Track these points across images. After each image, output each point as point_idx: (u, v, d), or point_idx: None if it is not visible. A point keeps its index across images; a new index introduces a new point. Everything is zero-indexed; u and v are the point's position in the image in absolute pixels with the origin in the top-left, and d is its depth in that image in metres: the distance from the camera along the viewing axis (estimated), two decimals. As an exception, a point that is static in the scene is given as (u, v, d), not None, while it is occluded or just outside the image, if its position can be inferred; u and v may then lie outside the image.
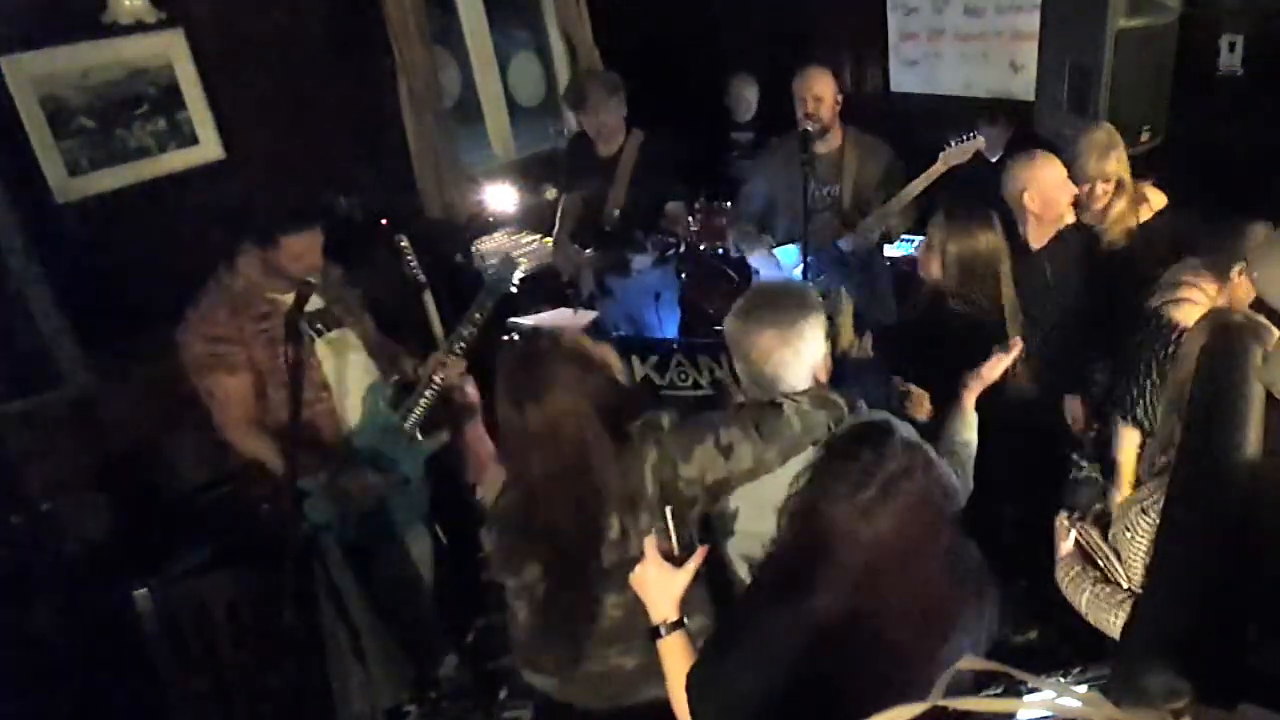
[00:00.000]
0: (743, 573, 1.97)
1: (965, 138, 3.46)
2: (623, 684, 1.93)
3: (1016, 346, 2.39)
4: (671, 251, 3.90)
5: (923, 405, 2.46)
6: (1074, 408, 2.98)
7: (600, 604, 1.85)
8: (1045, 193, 2.83)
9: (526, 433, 1.75)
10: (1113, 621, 1.84)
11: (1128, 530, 1.88)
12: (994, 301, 2.70)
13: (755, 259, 3.73)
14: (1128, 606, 1.80)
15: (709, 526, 1.96)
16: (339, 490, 2.59)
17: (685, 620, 1.63)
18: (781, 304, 1.96)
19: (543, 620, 1.89)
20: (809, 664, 1.41)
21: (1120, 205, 3.00)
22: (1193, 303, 2.45)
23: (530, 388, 1.73)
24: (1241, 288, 2.38)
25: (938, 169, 3.46)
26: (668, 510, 1.61)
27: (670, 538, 1.60)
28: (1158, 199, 3.07)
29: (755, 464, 1.81)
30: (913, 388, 2.48)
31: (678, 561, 1.61)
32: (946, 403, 2.29)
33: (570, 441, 1.75)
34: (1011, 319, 2.70)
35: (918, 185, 3.47)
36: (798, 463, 1.83)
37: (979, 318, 2.68)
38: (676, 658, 1.61)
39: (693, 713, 1.53)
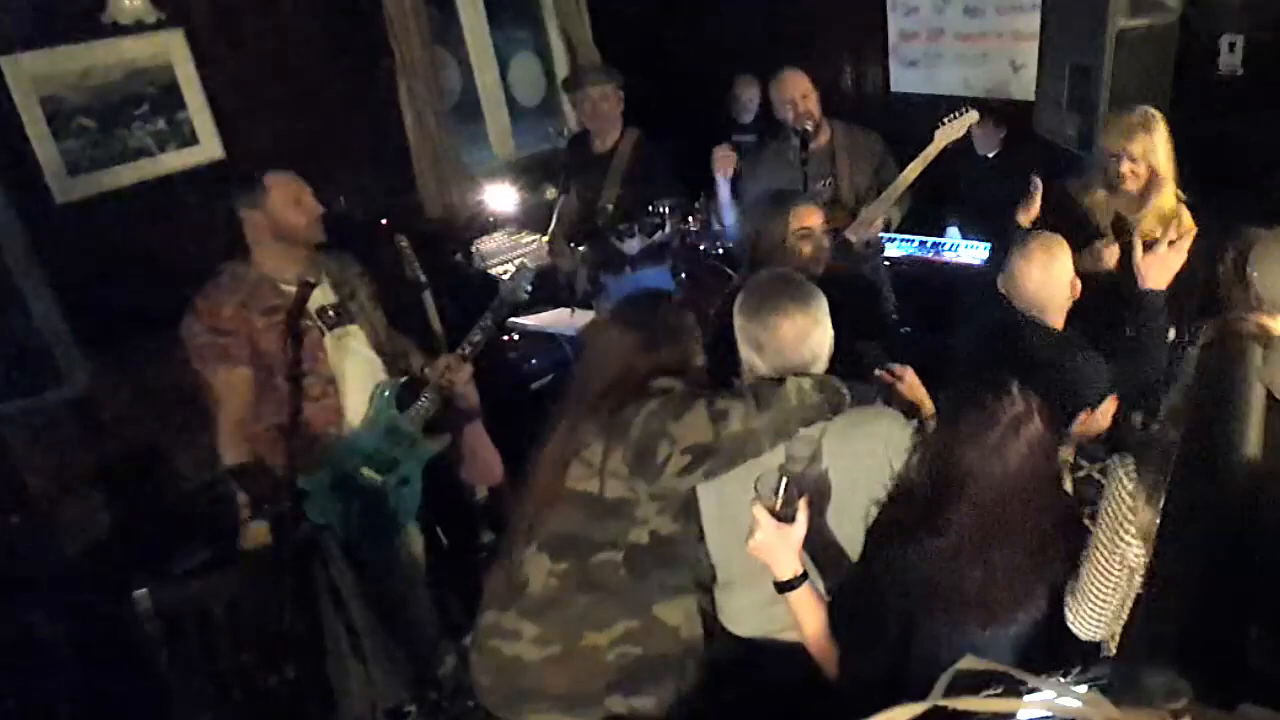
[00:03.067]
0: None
1: (957, 113, 3.44)
2: (547, 702, 1.94)
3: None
4: (658, 235, 3.89)
5: (906, 379, 2.15)
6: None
7: (539, 523, 1.95)
8: (1053, 289, 2.42)
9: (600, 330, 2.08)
10: None
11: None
12: None
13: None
14: None
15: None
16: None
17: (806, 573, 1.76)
18: (796, 288, 1.95)
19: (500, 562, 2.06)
20: (927, 594, 1.59)
21: (1158, 197, 2.80)
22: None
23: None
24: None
25: (933, 149, 3.43)
26: (785, 476, 1.71)
27: (777, 498, 1.71)
28: (1186, 222, 2.78)
29: (743, 429, 1.80)
30: (894, 367, 2.16)
31: (786, 518, 1.71)
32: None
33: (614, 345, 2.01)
34: None
35: (915, 168, 3.45)
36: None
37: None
38: (808, 606, 1.76)
39: (842, 645, 1.73)
